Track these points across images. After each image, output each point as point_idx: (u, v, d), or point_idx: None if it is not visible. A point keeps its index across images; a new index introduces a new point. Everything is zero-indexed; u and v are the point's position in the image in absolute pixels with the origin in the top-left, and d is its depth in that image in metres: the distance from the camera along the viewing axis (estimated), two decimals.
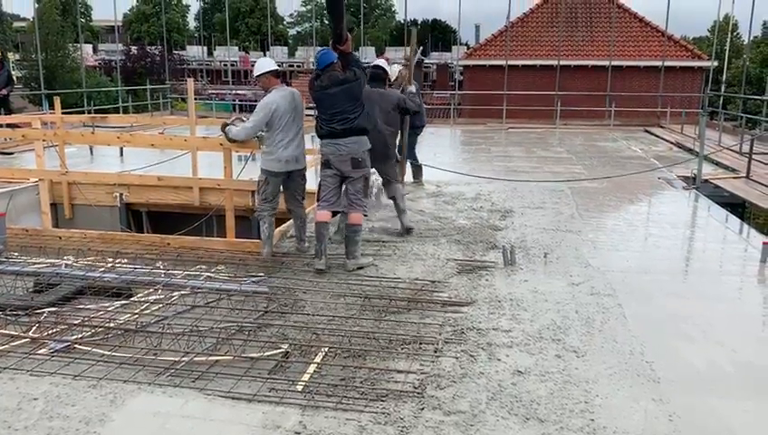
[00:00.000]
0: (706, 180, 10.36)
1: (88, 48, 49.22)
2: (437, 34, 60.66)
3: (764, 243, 6.10)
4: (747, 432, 3.17)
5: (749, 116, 20.71)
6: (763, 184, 10.19)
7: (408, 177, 9.51)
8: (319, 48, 6.05)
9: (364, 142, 5.68)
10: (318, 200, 5.82)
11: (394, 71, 8.82)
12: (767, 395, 3.57)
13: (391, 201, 7.06)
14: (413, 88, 8.00)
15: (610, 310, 4.67)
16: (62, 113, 11.61)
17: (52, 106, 13.64)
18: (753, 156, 11.20)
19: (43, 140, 8.32)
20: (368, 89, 6.33)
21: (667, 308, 4.82)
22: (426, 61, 19.78)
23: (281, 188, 5.99)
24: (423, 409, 3.24)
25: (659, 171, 11.47)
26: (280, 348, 3.92)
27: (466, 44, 41.03)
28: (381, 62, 7.21)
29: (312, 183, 6.28)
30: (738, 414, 3.33)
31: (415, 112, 7.27)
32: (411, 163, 9.64)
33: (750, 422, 3.27)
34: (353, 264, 5.55)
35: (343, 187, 5.77)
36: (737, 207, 9.93)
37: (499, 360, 3.82)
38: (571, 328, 4.31)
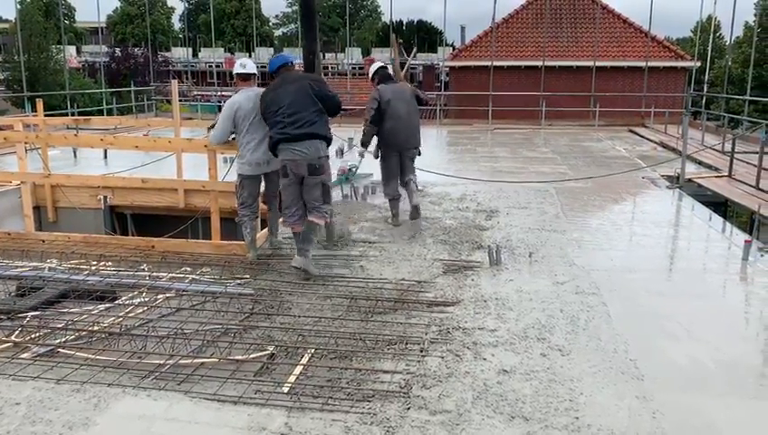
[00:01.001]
0: (690, 180, 10.47)
1: (71, 50, 48.79)
2: (423, 36, 60.77)
3: (746, 241, 6.18)
4: (730, 428, 3.21)
5: (731, 116, 20.93)
6: (745, 183, 10.30)
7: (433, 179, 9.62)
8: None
9: (322, 148, 5.29)
10: (281, 209, 5.56)
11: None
12: (749, 392, 3.61)
13: (383, 202, 7.56)
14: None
15: (595, 309, 4.70)
16: (45, 115, 11.50)
17: (34, 108, 13.52)
18: (736, 155, 11.32)
19: (26, 143, 8.22)
20: (385, 87, 7.01)
21: (650, 306, 4.86)
22: (412, 62, 19.84)
23: (259, 190, 5.96)
24: (409, 408, 3.24)
25: (643, 171, 11.56)
26: (266, 350, 3.91)
27: (452, 45, 41.11)
28: (379, 63, 7.56)
29: None
30: (721, 411, 3.37)
31: (426, 103, 7.88)
32: None
33: (732, 419, 3.30)
34: (300, 262, 5.24)
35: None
36: (720, 205, 10.04)
37: (485, 359, 3.83)
38: (555, 327, 4.34)
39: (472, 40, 26.77)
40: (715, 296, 5.33)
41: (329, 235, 6.19)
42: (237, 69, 5.85)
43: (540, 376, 3.63)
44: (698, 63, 24.54)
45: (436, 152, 14.78)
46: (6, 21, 53.72)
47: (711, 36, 26.98)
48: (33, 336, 4.13)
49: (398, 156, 7.06)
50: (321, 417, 3.17)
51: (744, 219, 10.94)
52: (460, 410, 3.24)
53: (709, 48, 25.13)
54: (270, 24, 75.16)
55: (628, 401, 3.37)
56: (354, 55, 46.03)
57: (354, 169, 7.83)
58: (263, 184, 6.00)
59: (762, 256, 6.17)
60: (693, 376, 3.75)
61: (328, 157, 5.41)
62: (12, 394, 3.38)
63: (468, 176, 10.55)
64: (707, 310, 4.89)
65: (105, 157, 13.22)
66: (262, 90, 5.77)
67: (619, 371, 3.72)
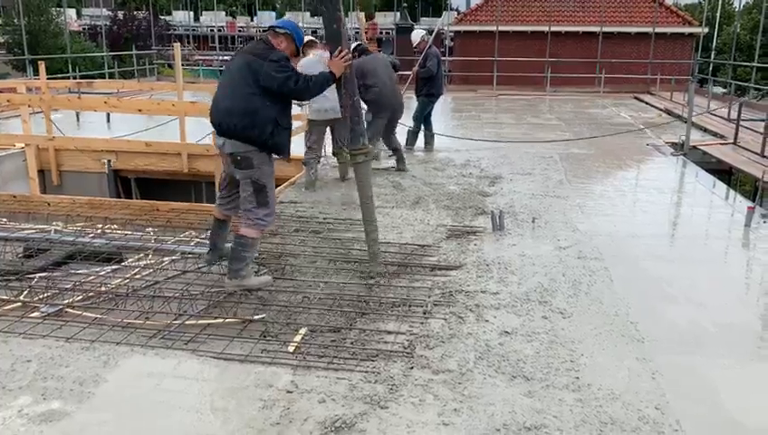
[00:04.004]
0: (694, 147, 10.42)
1: (71, 12, 48.17)
2: None
3: (749, 208, 6.19)
4: (727, 388, 3.27)
5: (738, 83, 20.73)
6: (749, 150, 10.26)
7: (420, 143, 9.68)
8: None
9: (235, 145, 4.19)
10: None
11: (416, 36, 9.14)
12: (747, 354, 3.67)
13: (390, 166, 8.16)
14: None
15: (597, 273, 4.74)
16: (47, 79, 11.43)
17: (36, 72, 13.43)
18: (741, 122, 11.25)
19: (29, 106, 8.21)
20: (365, 59, 7.62)
21: (652, 271, 4.90)
22: (415, 26, 19.64)
23: (324, 136, 7.13)
24: (412, 368, 3.30)
25: (648, 138, 11.51)
26: (271, 311, 3.97)
27: (457, 10, 40.57)
28: (355, 42, 8.26)
29: None
30: (719, 372, 3.43)
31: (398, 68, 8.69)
32: (426, 131, 9.76)
33: (730, 379, 3.36)
34: (233, 284, 4.29)
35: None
36: (724, 172, 10.03)
37: (487, 321, 3.88)
38: (557, 290, 4.38)
39: (477, 4, 26.36)
40: (717, 262, 5.37)
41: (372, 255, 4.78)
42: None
43: (541, 338, 3.68)
44: (706, 30, 24.21)
45: (439, 119, 14.69)
46: None
47: (720, 2, 26.57)
48: (41, 296, 4.18)
49: (386, 118, 7.80)
50: (327, 375, 3.23)
51: (748, 187, 10.93)
52: (462, 370, 3.29)
53: (718, 14, 24.79)
54: None
55: (629, 363, 3.43)
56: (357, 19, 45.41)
57: None
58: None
59: (764, 222, 6.18)
60: (692, 339, 3.80)
61: (257, 151, 4.19)
62: (23, 352, 3.44)
63: (473, 143, 10.52)
64: (709, 275, 4.93)
65: (108, 121, 13.19)
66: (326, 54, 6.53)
67: (619, 333, 3.77)
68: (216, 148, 4.42)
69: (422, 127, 9.72)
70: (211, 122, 4.34)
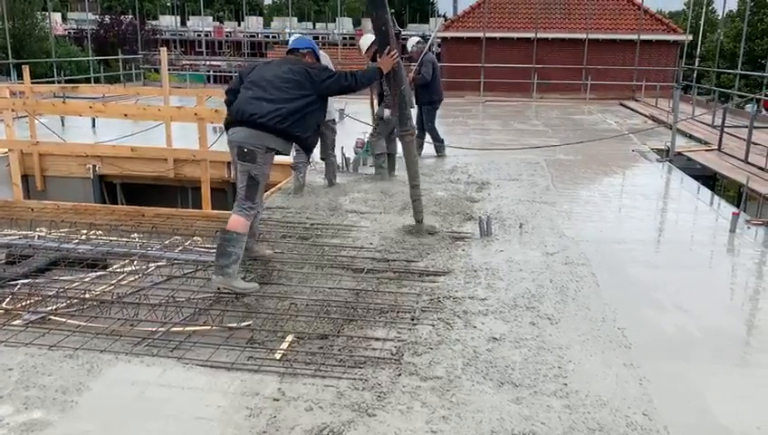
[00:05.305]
0: (679, 153, 10.52)
1: (57, 16, 47.86)
2: (415, 6, 60.11)
3: (734, 213, 6.24)
4: (714, 394, 3.28)
5: (722, 90, 20.95)
6: (734, 156, 10.36)
7: (430, 150, 9.65)
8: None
9: (261, 137, 4.41)
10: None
11: (410, 43, 9.12)
12: (734, 360, 3.69)
13: (371, 170, 8.09)
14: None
15: (584, 279, 4.75)
16: (32, 83, 11.32)
17: (20, 76, 13.31)
18: (725, 129, 11.37)
19: (12, 110, 8.12)
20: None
21: (639, 277, 4.92)
22: (403, 33, 19.70)
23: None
24: (400, 374, 3.28)
25: (633, 144, 11.60)
26: (258, 318, 3.94)
27: (444, 16, 40.77)
28: (371, 36, 7.94)
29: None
30: (706, 377, 3.44)
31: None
32: (434, 138, 9.75)
33: (717, 385, 3.37)
34: (219, 281, 4.26)
35: None
36: (709, 178, 10.12)
37: (475, 327, 3.87)
38: (545, 296, 4.38)
39: (464, 10, 26.51)
40: (703, 267, 5.40)
41: None
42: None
43: (529, 344, 3.67)
44: (690, 37, 24.47)
45: None
46: None
47: (704, 10, 26.87)
48: (24, 304, 4.12)
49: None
50: (314, 382, 3.20)
51: (732, 193, 11.02)
52: (450, 377, 3.28)
53: (701, 22, 25.06)
54: None
55: (616, 369, 3.43)
56: (345, 25, 45.47)
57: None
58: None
59: (748, 228, 6.24)
60: (679, 344, 3.81)
61: (268, 150, 4.46)
62: (4, 360, 3.38)
63: (461, 149, 10.54)
64: (694, 280, 4.96)
65: (93, 126, 13.09)
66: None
67: (607, 339, 3.77)
68: (229, 141, 4.60)
69: (421, 131, 9.68)
70: (238, 112, 4.46)
